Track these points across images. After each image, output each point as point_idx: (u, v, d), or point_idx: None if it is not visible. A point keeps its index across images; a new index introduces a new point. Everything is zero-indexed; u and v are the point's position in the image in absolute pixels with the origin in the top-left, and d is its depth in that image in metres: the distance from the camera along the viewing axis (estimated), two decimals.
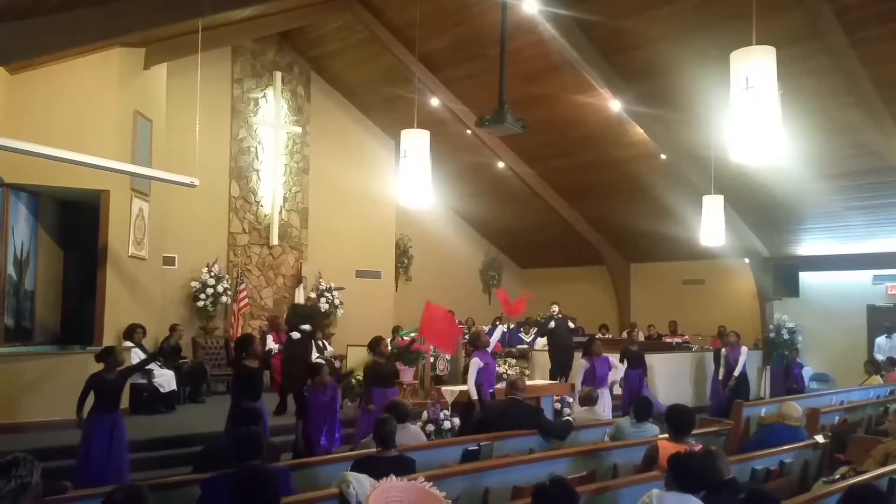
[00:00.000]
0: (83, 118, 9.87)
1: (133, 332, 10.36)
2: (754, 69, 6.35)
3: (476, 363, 8.62)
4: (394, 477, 2.52)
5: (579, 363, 9.98)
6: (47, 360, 9.42)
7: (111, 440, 6.82)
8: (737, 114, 6.40)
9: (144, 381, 10.40)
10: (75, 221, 11.17)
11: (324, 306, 14.99)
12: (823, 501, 4.75)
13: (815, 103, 10.61)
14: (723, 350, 12.47)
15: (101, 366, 7.00)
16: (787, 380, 13.88)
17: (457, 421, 8.29)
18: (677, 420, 5.68)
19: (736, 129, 6.45)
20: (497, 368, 10.80)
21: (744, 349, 12.31)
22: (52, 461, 6.42)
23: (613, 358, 10.73)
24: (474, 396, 8.44)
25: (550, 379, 12.24)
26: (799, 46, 9.62)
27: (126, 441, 7.08)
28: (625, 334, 15.57)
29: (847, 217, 13.29)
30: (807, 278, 14.74)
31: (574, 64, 11.84)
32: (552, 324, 13.15)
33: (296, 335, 10.52)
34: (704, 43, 10.21)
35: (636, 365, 11.38)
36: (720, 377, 12.38)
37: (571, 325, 13.28)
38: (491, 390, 8.73)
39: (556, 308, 13.60)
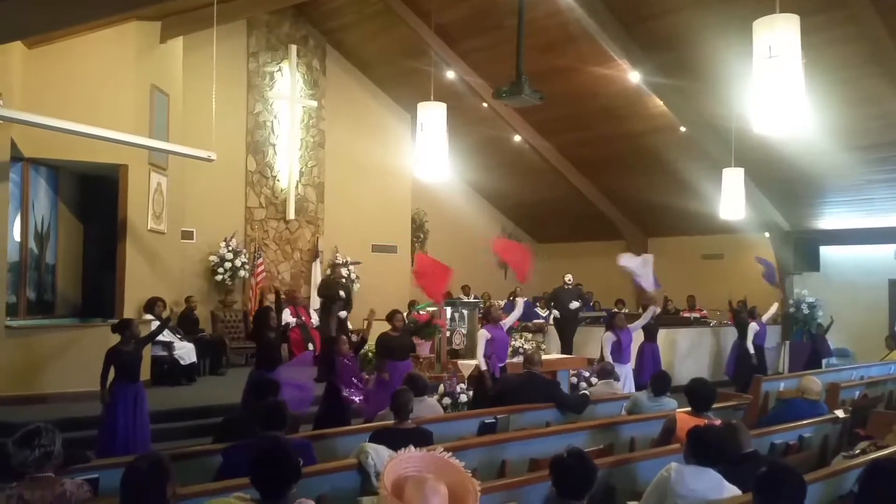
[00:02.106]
0: (100, 92, 9.88)
1: (153, 306, 10.45)
2: (778, 38, 6.23)
3: (483, 335, 8.64)
4: (413, 447, 2.51)
5: (605, 336, 9.92)
6: (68, 332, 9.52)
7: (135, 410, 6.91)
8: (759, 84, 6.30)
9: (165, 353, 10.53)
10: (94, 195, 11.24)
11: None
12: (843, 476, 4.73)
13: (839, 73, 10.41)
14: (753, 324, 12.35)
15: (118, 338, 7.07)
16: (818, 353, 13.67)
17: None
18: (698, 394, 5.66)
19: (758, 100, 6.35)
20: (512, 342, 10.84)
21: (752, 324, 12.21)
22: (73, 432, 6.52)
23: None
24: (483, 367, 8.44)
25: (562, 352, 12.23)
26: (823, 15, 9.43)
27: (147, 411, 7.17)
28: (641, 309, 15.50)
29: (870, 190, 13.10)
30: (828, 252, 14.57)
31: (592, 34, 11.67)
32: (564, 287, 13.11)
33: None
34: (726, 12, 10.04)
35: (652, 339, 11.34)
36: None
37: (576, 303, 13.18)
38: (501, 364, 8.71)
39: (569, 277, 13.52)
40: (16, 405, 8.12)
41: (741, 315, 12.53)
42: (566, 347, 12.62)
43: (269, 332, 7.68)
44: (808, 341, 14.13)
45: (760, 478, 3.29)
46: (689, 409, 5.72)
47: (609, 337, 9.79)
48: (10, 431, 3.97)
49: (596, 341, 11.41)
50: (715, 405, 6.89)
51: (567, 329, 12.93)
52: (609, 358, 9.63)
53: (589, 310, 15.54)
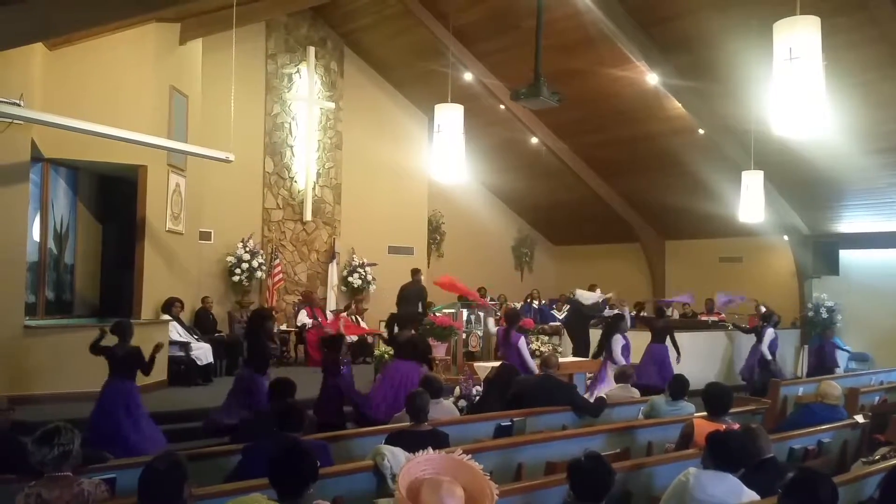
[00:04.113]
0: (120, 93, 9.97)
1: (171, 306, 10.55)
2: (798, 40, 6.18)
3: (525, 343, 8.69)
4: (430, 449, 2.50)
5: (615, 339, 9.80)
6: (87, 332, 9.46)
7: (128, 410, 6.83)
8: (779, 86, 6.24)
9: (182, 353, 10.58)
10: (113, 196, 11.33)
11: (356, 282, 15.07)
12: (863, 482, 4.68)
13: (859, 75, 10.31)
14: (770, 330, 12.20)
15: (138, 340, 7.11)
16: (821, 359, 13.53)
17: None
18: (715, 399, 5.62)
19: (778, 102, 6.29)
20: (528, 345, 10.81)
21: (769, 330, 12.07)
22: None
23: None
24: (536, 370, 8.45)
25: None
26: (844, 17, 9.33)
27: (144, 410, 7.09)
28: (655, 313, 15.37)
29: (891, 193, 12.94)
30: (847, 256, 14.43)
31: (610, 36, 11.62)
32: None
33: None
34: (745, 13, 9.95)
35: (659, 339, 11.23)
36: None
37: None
38: None
39: (598, 291, 13.40)
40: (34, 404, 8.18)
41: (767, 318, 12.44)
42: (581, 351, 12.49)
43: (264, 336, 7.60)
44: (817, 345, 13.95)
45: (792, 483, 3.23)
46: (705, 413, 5.69)
47: (618, 339, 9.68)
48: (29, 430, 3.99)
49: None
50: (733, 410, 6.84)
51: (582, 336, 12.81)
52: (624, 362, 9.51)
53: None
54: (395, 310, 11.32)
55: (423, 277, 13.67)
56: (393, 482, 4.23)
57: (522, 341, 8.66)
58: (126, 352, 7.08)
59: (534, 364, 8.47)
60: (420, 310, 12.29)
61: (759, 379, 11.61)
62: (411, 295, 12.81)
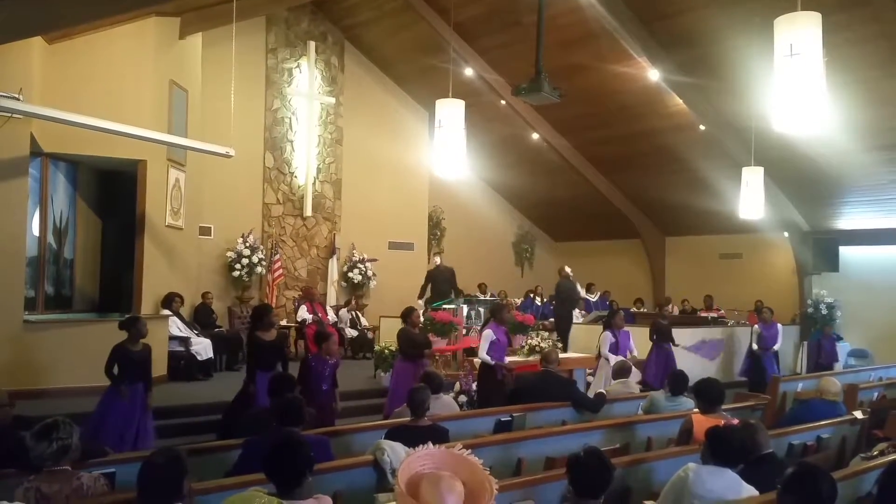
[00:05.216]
0: (120, 88, 9.95)
1: (171, 301, 10.55)
2: (799, 36, 6.16)
3: (489, 335, 8.49)
4: (430, 444, 2.49)
5: (603, 335, 9.80)
6: (86, 327, 9.58)
7: (133, 410, 6.75)
8: (780, 82, 6.22)
9: (182, 349, 10.58)
10: (113, 191, 11.32)
11: (357, 278, 15.06)
12: (861, 478, 4.68)
13: (860, 72, 10.29)
14: (755, 326, 12.23)
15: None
16: (819, 356, 13.53)
17: None
18: (706, 392, 5.64)
19: (779, 98, 6.27)
20: (528, 340, 10.78)
21: (779, 326, 12.07)
22: None
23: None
24: (491, 362, 8.38)
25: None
26: (845, 13, 9.33)
27: (149, 411, 7.03)
28: (657, 308, 15.38)
29: (891, 190, 12.95)
30: (847, 253, 14.43)
31: (612, 32, 11.59)
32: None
33: None
34: (747, 9, 9.93)
35: (665, 339, 11.23)
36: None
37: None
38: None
39: (568, 270, 13.28)
40: (33, 399, 8.17)
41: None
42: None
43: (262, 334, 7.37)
44: (813, 341, 13.94)
45: (791, 478, 3.24)
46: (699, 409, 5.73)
47: (607, 336, 9.67)
48: (28, 425, 4.00)
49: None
50: (733, 405, 6.86)
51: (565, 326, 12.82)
52: (612, 358, 9.48)
53: (604, 306, 15.46)
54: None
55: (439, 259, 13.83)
56: (393, 477, 4.23)
57: (487, 332, 8.51)
58: (140, 355, 6.91)
59: (487, 356, 8.36)
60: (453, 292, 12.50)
61: (749, 371, 11.70)
62: (437, 278, 12.98)
